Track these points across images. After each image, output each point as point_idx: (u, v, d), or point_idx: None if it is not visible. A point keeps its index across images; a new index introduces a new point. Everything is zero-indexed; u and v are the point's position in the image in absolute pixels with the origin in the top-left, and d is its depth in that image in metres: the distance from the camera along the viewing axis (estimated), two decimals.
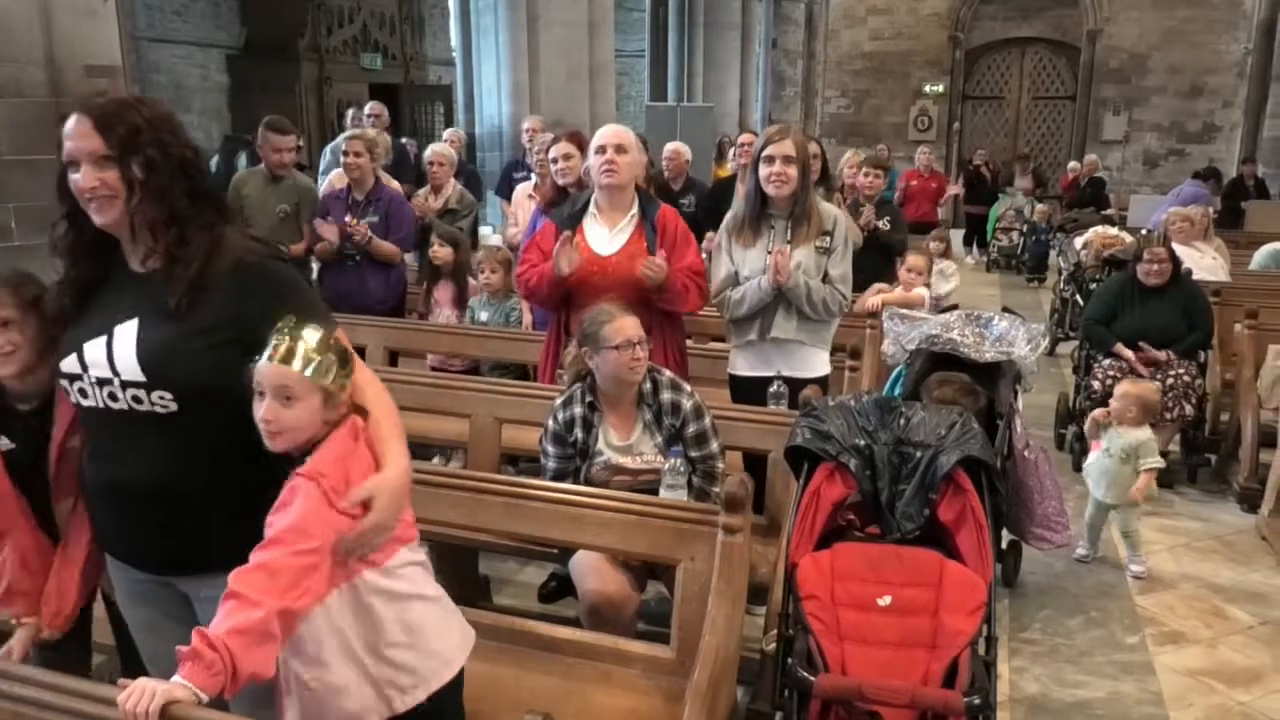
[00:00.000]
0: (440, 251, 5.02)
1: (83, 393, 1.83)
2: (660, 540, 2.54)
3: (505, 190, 7.08)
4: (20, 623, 2.16)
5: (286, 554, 1.66)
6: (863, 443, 2.61)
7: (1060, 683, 3.33)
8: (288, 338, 1.74)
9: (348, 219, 4.93)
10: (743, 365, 3.70)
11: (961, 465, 2.52)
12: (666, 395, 2.98)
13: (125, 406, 1.79)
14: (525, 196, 5.86)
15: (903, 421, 2.64)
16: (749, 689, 2.87)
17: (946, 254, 7.23)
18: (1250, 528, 4.56)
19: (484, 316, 4.87)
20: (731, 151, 8.06)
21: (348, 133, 5.75)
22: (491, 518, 2.73)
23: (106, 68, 5.08)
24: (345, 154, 5.13)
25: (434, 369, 4.75)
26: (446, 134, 8.05)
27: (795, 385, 3.45)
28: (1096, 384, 5.05)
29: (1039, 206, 11.79)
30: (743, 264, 3.57)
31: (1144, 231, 6.44)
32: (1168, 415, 4.88)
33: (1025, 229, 11.90)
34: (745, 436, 3.26)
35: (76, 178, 1.74)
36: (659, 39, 17.13)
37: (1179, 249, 5.59)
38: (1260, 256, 7.54)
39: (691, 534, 2.49)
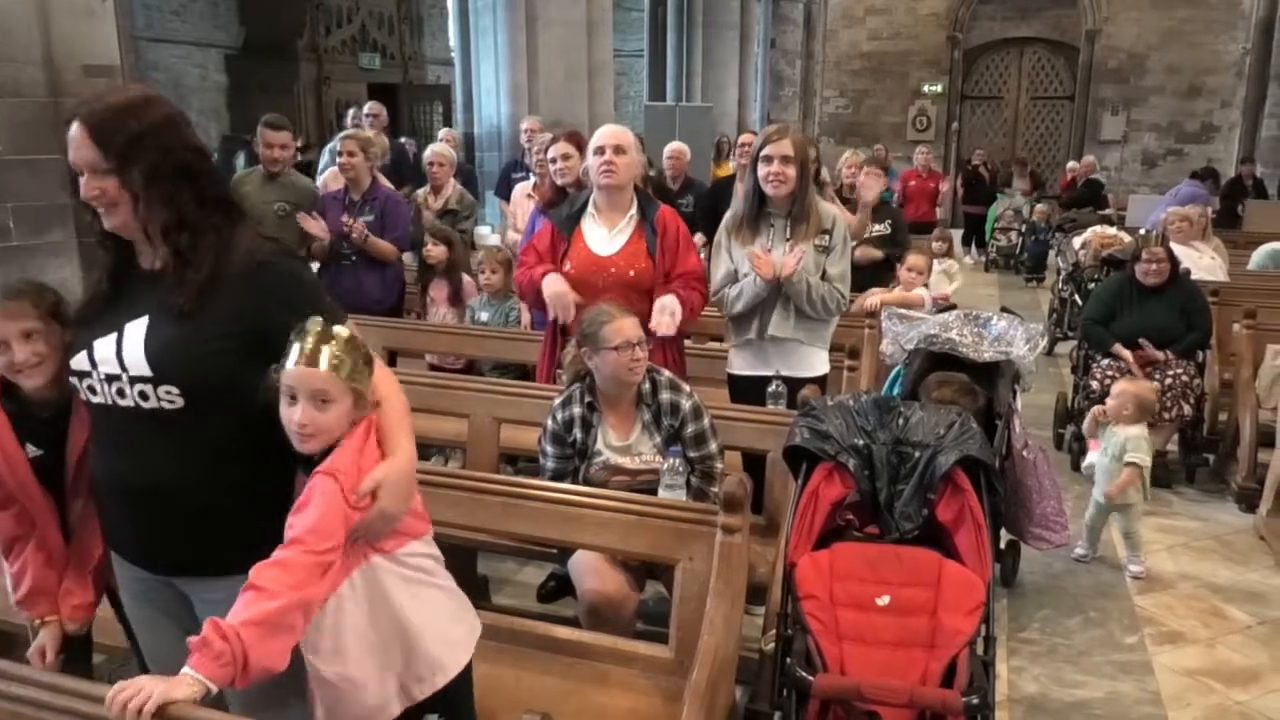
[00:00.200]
0: (434, 250, 5.06)
1: (92, 390, 1.83)
2: (659, 540, 2.54)
3: (504, 190, 7.09)
4: (44, 622, 2.19)
5: (307, 552, 1.67)
6: (861, 442, 2.61)
7: (1059, 682, 3.33)
8: (319, 340, 1.73)
9: (344, 218, 4.93)
10: (741, 364, 3.70)
11: (960, 465, 2.52)
12: (665, 395, 2.98)
13: (132, 403, 1.79)
14: (524, 196, 5.88)
15: (901, 421, 2.64)
16: (747, 689, 2.87)
17: (949, 254, 7.25)
18: (1248, 527, 4.57)
19: (484, 316, 4.90)
20: (731, 151, 8.08)
21: (343, 133, 5.75)
22: (490, 517, 2.73)
23: (105, 67, 5.08)
24: (339, 154, 5.13)
25: (432, 367, 4.80)
26: (441, 134, 8.05)
27: (794, 385, 3.46)
28: (1095, 384, 5.05)
29: (1038, 206, 11.80)
30: (742, 262, 3.57)
31: (1142, 231, 6.44)
32: (1166, 415, 4.88)
33: (1024, 229, 11.92)
34: (744, 436, 3.26)
35: (82, 182, 1.75)
36: (657, 39, 17.11)
37: (1177, 249, 5.60)
38: (1258, 256, 7.55)
39: (690, 534, 2.49)
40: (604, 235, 3.55)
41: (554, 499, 2.69)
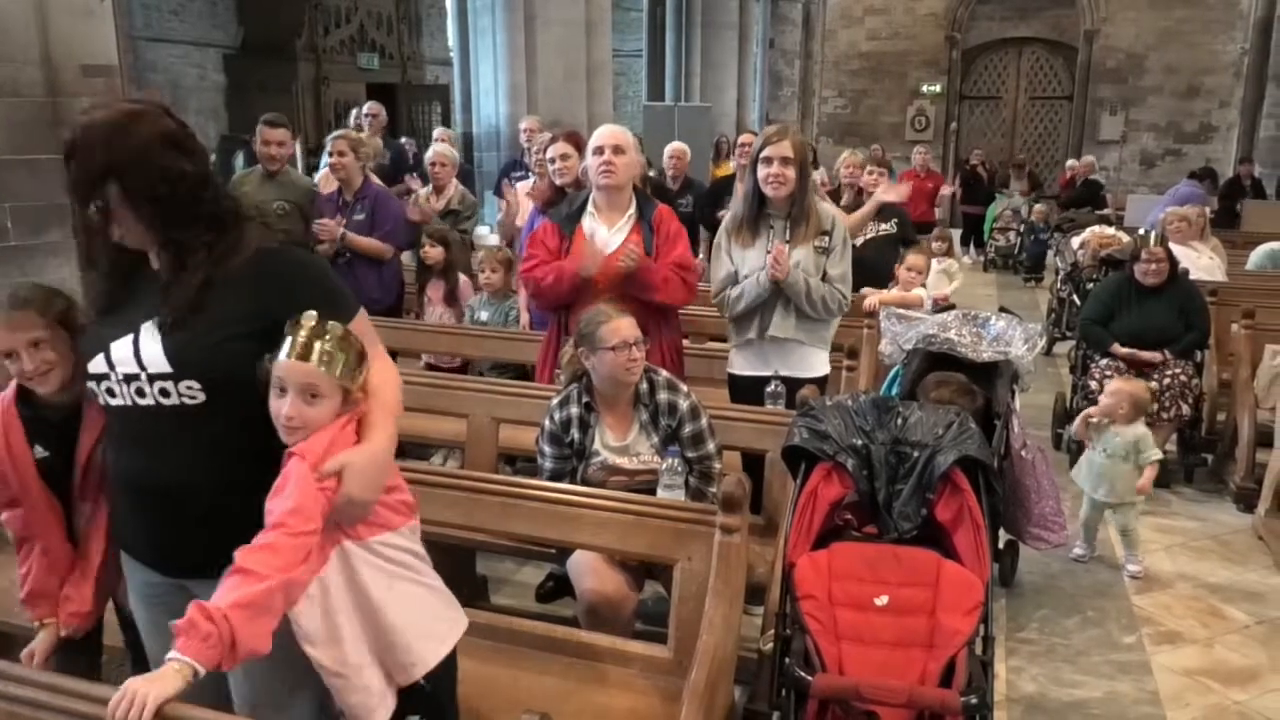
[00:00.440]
0: (431, 251, 5.08)
1: (110, 392, 1.82)
2: (658, 540, 2.54)
3: (503, 190, 7.08)
4: (43, 624, 2.19)
5: (291, 534, 1.68)
6: (860, 442, 2.61)
7: (1057, 682, 3.33)
8: (313, 335, 1.74)
9: (319, 222, 4.92)
10: (742, 364, 3.71)
11: (959, 465, 2.52)
12: (663, 395, 2.98)
13: (152, 402, 1.79)
14: (524, 195, 5.87)
15: (900, 421, 2.64)
16: (746, 689, 2.87)
17: (949, 254, 7.25)
18: (1246, 527, 4.57)
19: (484, 316, 4.91)
20: (730, 151, 8.10)
21: (333, 134, 5.74)
22: (489, 517, 2.73)
23: (103, 67, 5.07)
24: (330, 154, 5.13)
25: (429, 366, 4.81)
26: (437, 133, 8.02)
27: (793, 385, 3.46)
28: (1094, 384, 5.05)
29: (1036, 206, 11.80)
30: (742, 264, 3.58)
31: (1141, 231, 6.44)
32: (1164, 415, 4.88)
33: (1022, 229, 11.91)
34: (743, 436, 3.26)
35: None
36: (656, 39, 17.12)
37: (1176, 249, 5.60)
38: (1257, 256, 7.55)
39: (689, 534, 2.49)
40: (603, 235, 3.56)
41: (553, 499, 2.69)
